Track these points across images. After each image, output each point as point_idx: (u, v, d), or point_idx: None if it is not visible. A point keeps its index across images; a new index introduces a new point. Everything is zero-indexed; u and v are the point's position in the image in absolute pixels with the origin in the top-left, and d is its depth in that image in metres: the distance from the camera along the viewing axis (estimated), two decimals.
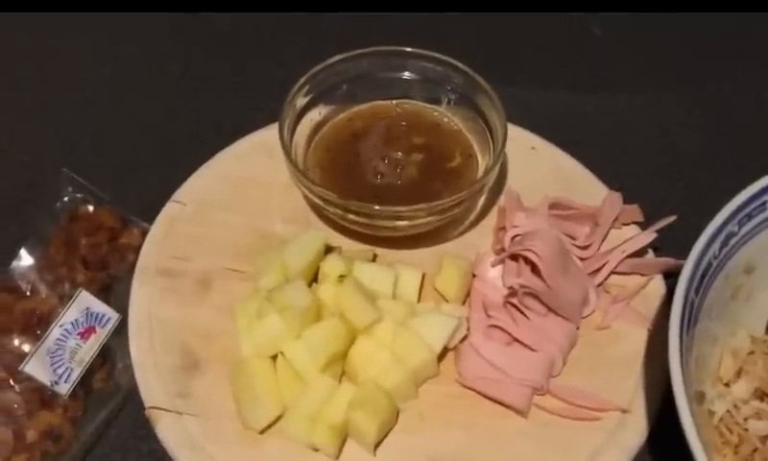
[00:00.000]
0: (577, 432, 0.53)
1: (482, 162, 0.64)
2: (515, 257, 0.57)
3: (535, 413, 0.54)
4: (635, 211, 0.62)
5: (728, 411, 0.49)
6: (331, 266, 0.57)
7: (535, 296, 0.55)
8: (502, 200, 0.65)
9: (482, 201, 0.65)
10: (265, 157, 0.68)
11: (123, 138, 0.74)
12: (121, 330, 0.59)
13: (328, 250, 0.60)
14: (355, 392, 0.52)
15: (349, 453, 0.52)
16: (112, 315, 0.59)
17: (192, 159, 0.68)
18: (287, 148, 0.60)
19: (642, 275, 0.59)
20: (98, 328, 0.58)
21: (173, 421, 0.53)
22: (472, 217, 0.64)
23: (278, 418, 0.53)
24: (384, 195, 0.60)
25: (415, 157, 0.64)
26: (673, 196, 0.66)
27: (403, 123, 0.66)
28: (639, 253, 0.60)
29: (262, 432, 0.53)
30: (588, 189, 0.65)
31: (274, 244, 0.61)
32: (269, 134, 0.69)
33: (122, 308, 0.59)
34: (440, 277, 0.59)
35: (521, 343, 0.55)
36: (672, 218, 0.59)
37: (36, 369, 0.55)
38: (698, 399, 0.49)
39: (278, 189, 0.66)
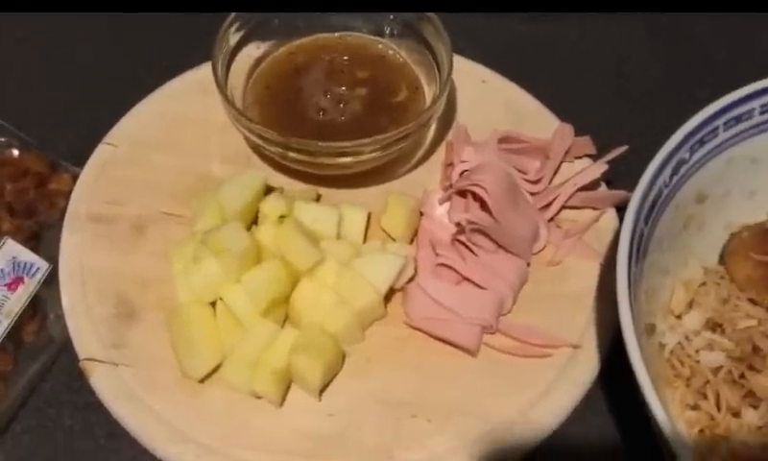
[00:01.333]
0: (528, 369, 0.52)
1: (429, 96, 0.61)
2: (462, 193, 0.55)
3: (485, 352, 0.52)
4: (587, 144, 0.60)
5: (679, 343, 0.48)
6: (271, 206, 0.54)
7: (483, 232, 0.53)
8: (450, 135, 0.62)
9: (430, 136, 0.62)
10: (201, 95, 0.64)
11: (51, 78, 0.70)
12: (52, 281, 0.55)
13: (269, 191, 0.57)
14: (298, 336, 0.50)
15: (294, 400, 0.51)
16: (41, 264, 0.55)
17: (124, 100, 0.64)
18: (221, 85, 0.57)
19: (595, 208, 0.58)
20: (26, 279, 0.55)
21: (108, 372, 0.51)
22: (420, 153, 0.62)
23: (218, 366, 0.51)
24: (327, 132, 0.58)
25: (359, 91, 0.61)
26: (627, 129, 0.64)
27: (345, 57, 0.63)
28: (592, 186, 0.58)
29: (202, 381, 0.51)
30: (540, 122, 0.63)
31: (211, 186, 0.58)
32: (205, 72, 0.64)
33: (52, 257, 0.56)
34: (386, 215, 0.57)
35: (470, 281, 0.53)
36: (624, 148, 0.57)
37: None
38: (648, 331, 0.48)
39: (216, 129, 0.62)
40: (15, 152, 0.60)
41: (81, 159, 0.61)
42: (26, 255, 0.55)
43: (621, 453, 0.51)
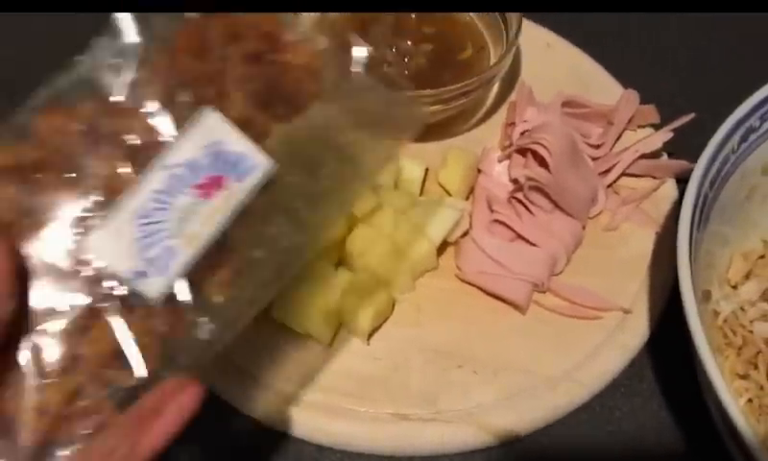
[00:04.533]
0: (576, 330, 0.51)
1: (494, 56, 0.61)
2: (523, 152, 0.55)
3: (534, 310, 0.52)
4: (651, 112, 0.59)
5: (733, 312, 0.47)
6: None
7: (541, 190, 0.53)
8: (513, 95, 0.62)
9: (491, 95, 0.62)
10: None
11: None
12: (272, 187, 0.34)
13: None
14: (351, 279, 0.51)
15: (342, 341, 0.51)
16: (259, 161, 0.33)
17: None
18: None
19: (654, 178, 0.57)
20: (231, 181, 0.32)
21: None
22: (480, 113, 0.62)
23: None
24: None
25: (424, 46, 0.61)
26: (690, 103, 0.63)
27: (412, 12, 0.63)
28: (653, 155, 0.57)
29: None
30: (603, 89, 0.62)
31: None
32: None
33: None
34: (443, 170, 0.57)
35: (525, 239, 0.53)
36: (690, 116, 0.57)
37: (106, 245, 0.31)
38: (704, 297, 0.47)
39: None
40: None
41: None
42: (236, 142, 0.33)
43: (665, 421, 0.50)
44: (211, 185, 0.33)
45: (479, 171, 0.57)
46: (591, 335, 0.51)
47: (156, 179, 0.32)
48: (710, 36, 0.71)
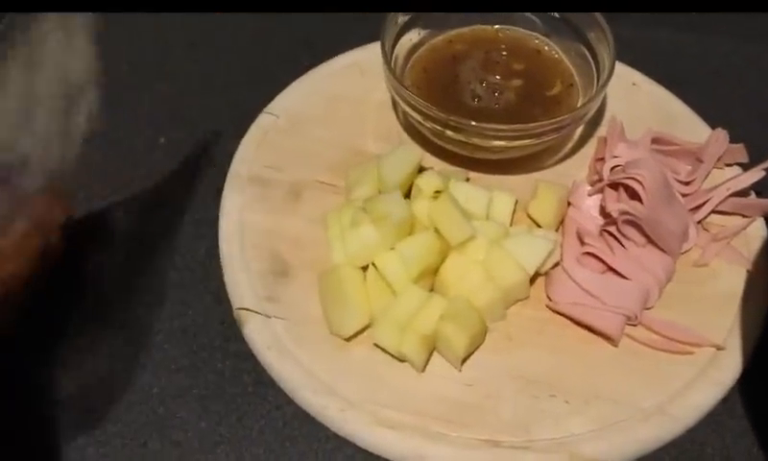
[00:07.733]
0: (667, 365, 0.52)
1: (583, 93, 0.62)
2: (614, 186, 0.56)
3: (625, 342, 0.53)
4: (740, 151, 0.60)
5: None
6: (427, 181, 0.57)
7: (635, 224, 0.54)
8: (602, 131, 0.63)
9: (579, 130, 0.63)
10: (358, 75, 0.68)
11: (216, 55, 0.74)
12: None
13: (421, 170, 0.59)
14: (447, 305, 0.52)
15: (435, 367, 0.52)
16: None
17: (284, 77, 0.68)
18: (387, 58, 0.59)
19: (744, 216, 0.58)
20: None
21: (261, 322, 0.54)
22: (567, 148, 0.63)
23: (365, 327, 0.53)
24: (481, 117, 0.59)
25: (514, 82, 0.63)
26: None
27: (503, 46, 0.65)
28: (743, 193, 0.58)
29: (348, 340, 0.53)
30: (690, 128, 0.63)
31: (365, 161, 0.61)
32: (363, 54, 0.69)
33: None
34: (534, 201, 0.58)
35: (616, 272, 0.54)
36: None
37: None
38: None
39: (371, 108, 0.66)
40: None
41: (242, 127, 0.65)
42: None
43: (757, 458, 0.50)
44: None
45: (569, 204, 0.58)
46: (683, 370, 0.52)
47: None
48: None
